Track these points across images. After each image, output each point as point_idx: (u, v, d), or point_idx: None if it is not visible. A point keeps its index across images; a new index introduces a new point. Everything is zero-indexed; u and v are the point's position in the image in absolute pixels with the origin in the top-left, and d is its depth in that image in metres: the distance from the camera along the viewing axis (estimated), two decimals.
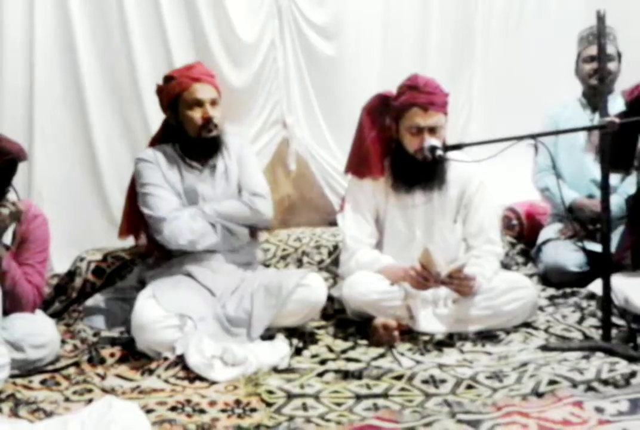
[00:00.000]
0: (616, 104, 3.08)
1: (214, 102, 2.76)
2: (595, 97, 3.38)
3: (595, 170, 3.34)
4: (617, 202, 3.00)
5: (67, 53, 3.34)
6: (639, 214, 2.80)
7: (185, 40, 3.52)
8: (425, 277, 2.56)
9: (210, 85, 2.78)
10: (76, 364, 2.45)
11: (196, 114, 2.74)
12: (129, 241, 3.08)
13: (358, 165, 2.83)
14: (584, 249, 3.14)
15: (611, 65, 3.31)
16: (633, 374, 2.15)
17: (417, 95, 2.68)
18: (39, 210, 2.61)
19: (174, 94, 2.75)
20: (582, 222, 3.29)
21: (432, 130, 2.66)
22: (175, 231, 2.67)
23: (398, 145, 2.77)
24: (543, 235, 3.45)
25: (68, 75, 3.36)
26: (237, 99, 3.61)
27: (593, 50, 3.34)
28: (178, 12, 3.48)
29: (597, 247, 2.88)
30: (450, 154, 2.67)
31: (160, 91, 2.83)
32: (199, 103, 2.73)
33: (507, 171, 3.70)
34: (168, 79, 2.80)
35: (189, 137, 2.78)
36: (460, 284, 2.59)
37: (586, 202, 3.30)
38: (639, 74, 3.79)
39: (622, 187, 3.21)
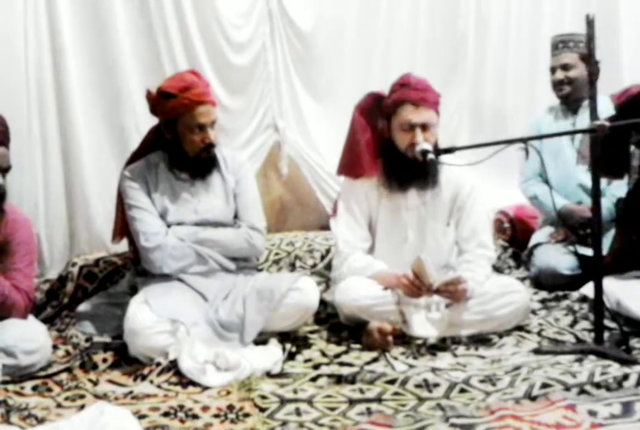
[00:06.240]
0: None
1: (213, 123, 2.73)
2: (564, 106, 3.46)
3: (581, 175, 3.37)
4: (606, 205, 3.01)
5: (57, 57, 3.34)
6: (631, 215, 2.82)
7: (175, 45, 3.52)
8: (417, 286, 2.56)
9: (211, 106, 2.72)
10: (68, 370, 2.44)
11: (197, 137, 2.70)
12: (120, 245, 3.07)
13: (351, 165, 2.82)
14: (575, 253, 3.15)
15: (571, 73, 3.38)
16: (625, 377, 2.15)
17: (409, 91, 2.69)
18: (19, 212, 2.59)
19: (175, 114, 2.68)
20: (572, 228, 3.29)
21: (424, 127, 2.66)
22: (158, 261, 2.67)
23: (390, 145, 2.76)
24: (534, 239, 3.47)
25: (58, 81, 3.36)
26: (229, 104, 3.62)
27: (554, 61, 3.44)
28: (168, 16, 3.48)
29: (588, 252, 2.89)
30: (442, 158, 2.67)
31: (156, 103, 2.72)
32: (201, 127, 2.69)
33: (499, 174, 3.72)
34: (167, 94, 2.68)
35: (185, 153, 2.75)
36: (452, 295, 2.60)
37: (575, 208, 3.30)
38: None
39: (610, 190, 3.23)
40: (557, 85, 3.43)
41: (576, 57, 3.39)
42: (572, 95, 3.41)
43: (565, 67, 3.39)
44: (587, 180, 3.30)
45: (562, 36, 3.45)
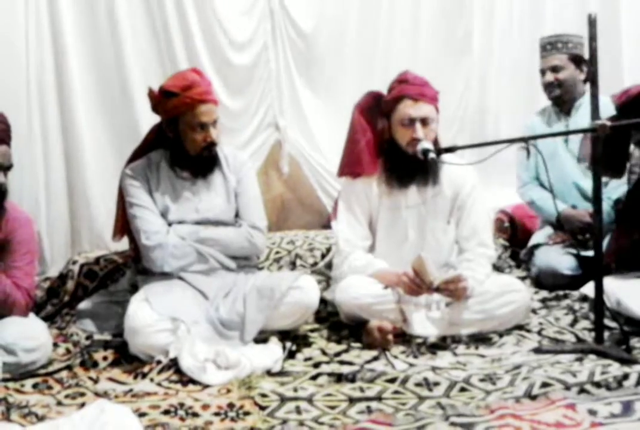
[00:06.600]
0: (587, 111, 3.06)
1: (215, 122, 2.73)
2: (557, 107, 3.44)
3: (577, 177, 3.36)
4: (603, 208, 3.00)
5: (58, 56, 3.34)
6: (631, 215, 2.82)
7: (176, 44, 3.52)
8: (417, 284, 2.56)
9: (213, 104, 2.71)
10: (69, 368, 2.44)
11: (199, 136, 2.70)
12: (121, 244, 3.07)
13: (351, 165, 2.82)
14: (576, 254, 3.15)
15: (561, 75, 3.35)
16: (625, 376, 2.16)
17: (407, 87, 2.70)
18: (20, 210, 2.59)
19: (177, 112, 2.69)
20: (572, 233, 3.28)
21: (424, 122, 2.67)
22: (159, 260, 2.67)
23: (391, 144, 2.77)
24: (534, 239, 3.46)
25: (59, 79, 3.36)
26: (230, 103, 3.63)
27: (543, 63, 3.43)
28: (170, 16, 3.49)
29: (588, 253, 2.88)
30: (444, 157, 2.67)
31: (157, 101, 2.73)
32: (203, 125, 2.69)
33: (500, 174, 3.72)
34: (169, 93, 2.68)
35: (186, 152, 2.75)
36: (452, 293, 2.60)
37: (573, 213, 3.29)
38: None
39: (606, 192, 3.20)
40: (547, 87, 3.41)
41: (565, 58, 3.37)
42: (563, 96, 3.39)
43: (555, 69, 3.37)
44: (582, 182, 3.31)
45: (550, 38, 3.42)
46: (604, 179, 3.07)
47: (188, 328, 2.45)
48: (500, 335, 2.66)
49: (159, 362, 2.39)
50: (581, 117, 3.29)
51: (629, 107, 2.57)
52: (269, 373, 2.37)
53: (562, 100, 3.41)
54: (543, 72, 3.43)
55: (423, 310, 2.69)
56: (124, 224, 2.87)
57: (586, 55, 3.26)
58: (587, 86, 3.32)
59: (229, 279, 2.74)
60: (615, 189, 3.18)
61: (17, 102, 3.27)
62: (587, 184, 3.18)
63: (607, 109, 2.64)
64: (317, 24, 3.77)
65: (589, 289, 2.58)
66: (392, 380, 2.23)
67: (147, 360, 2.44)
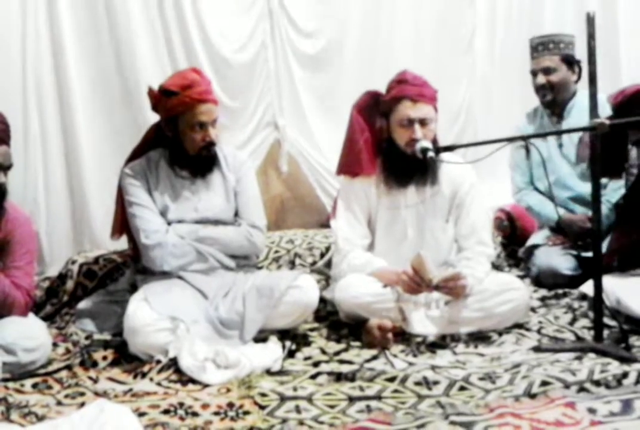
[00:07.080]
0: (581, 111, 3.03)
1: (214, 121, 2.73)
2: (549, 110, 3.39)
3: (572, 181, 3.34)
4: (602, 211, 3.00)
5: (57, 56, 3.34)
6: (630, 215, 2.82)
7: (176, 44, 3.52)
8: (417, 283, 2.56)
9: (212, 104, 2.71)
10: (68, 367, 2.44)
11: (198, 136, 2.70)
12: (120, 243, 3.07)
13: (350, 164, 2.82)
14: (576, 256, 3.15)
15: (553, 77, 3.29)
16: (625, 375, 2.16)
17: (407, 87, 2.70)
18: (20, 210, 2.59)
19: (176, 112, 2.69)
20: (572, 238, 3.28)
21: (423, 123, 2.67)
22: (158, 259, 2.68)
23: (389, 143, 2.77)
24: (532, 239, 3.45)
25: (58, 79, 3.36)
26: (229, 102, 3.63)
27: (534, 64, 3.35)
28: (168, 15, 3.49)
29: (588, 254, 2.88)
30: (442, 156, 2.67)
31: (157, 100, 2.73)
32: (202, 125, 2.69)
33: (499, 172, 3.72)
34: (168, 92, 2.68)
35: (185, 151, 2.75)
36: (451, 291, 2.60)
37: (574, 218, 3.27)
38: None
39: (605, 195, 3.17)
40: (539, 90, 3.34)
41: (557, 59, 3.30)
42: (555, 99, 3.32)
43: (547, 71, 3.29)
44: (578, 187, 3.29)
45: (541, 38, 3.34)
46: (602, 181, 3.07)
47: (187, 327, 2.45)
48: (500, 333, 2.66)
49: (158, 361, 2.39)
50: (574, 119, 3.26)
51: (626, 107, 2.57)
52: (268, 372, 2.37)
53: (554, 103, 3.35)
54: (534, 73, 3.35)
55: (422, 308, 2.70)
56: (122, 223, 2.87)
57: (578, 55, 3.25)
58: (579, 86, 3.32)
59: (228, 278, 2.74)
60: (615, 191, 3.17)
61: (16, 102, 3.27)
62: (583, 189, 3.18)
63: (604, 108, 2.63)
64: (316, 23, 3.77)
65: (588, 287, 2.58)
66: (391, 379, 2.23)
67: (147, 359, 2.44)
